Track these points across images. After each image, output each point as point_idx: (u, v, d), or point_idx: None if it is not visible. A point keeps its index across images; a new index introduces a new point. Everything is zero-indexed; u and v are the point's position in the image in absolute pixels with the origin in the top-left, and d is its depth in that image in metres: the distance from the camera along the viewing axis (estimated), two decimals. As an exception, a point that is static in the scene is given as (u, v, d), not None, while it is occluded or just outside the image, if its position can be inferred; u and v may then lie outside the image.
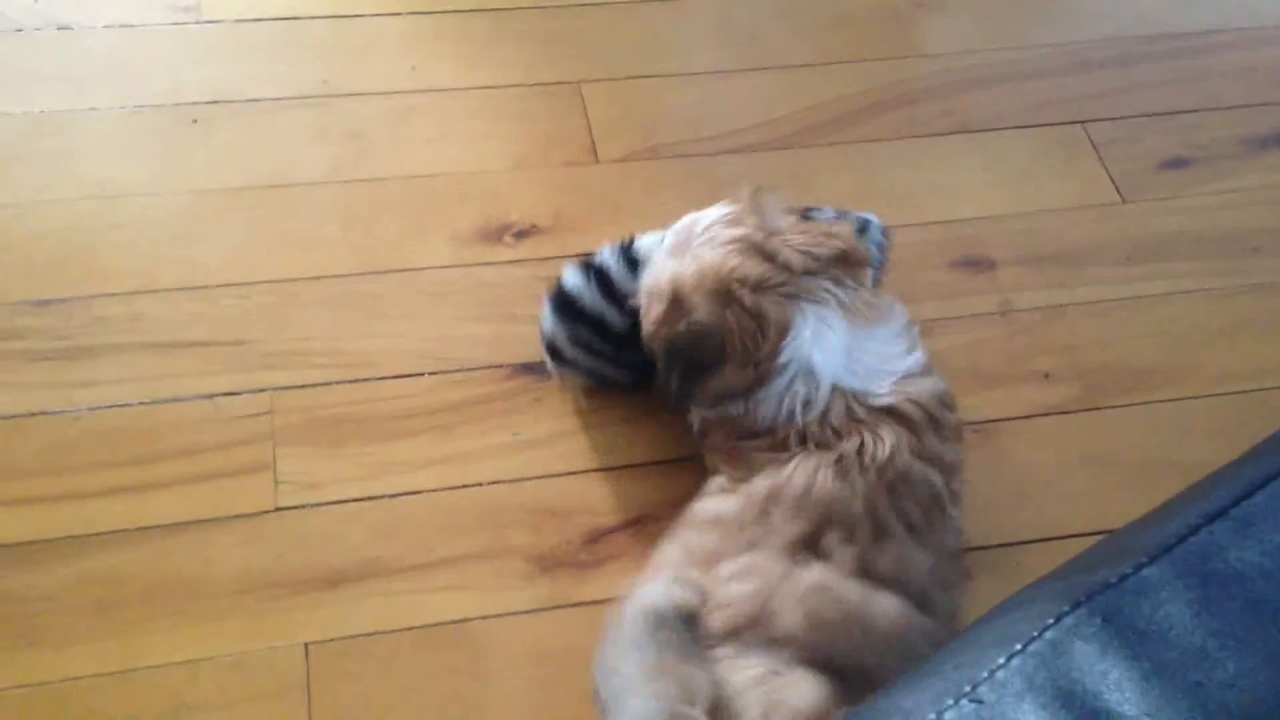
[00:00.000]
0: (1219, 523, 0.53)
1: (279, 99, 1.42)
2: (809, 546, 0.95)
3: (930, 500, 1.00)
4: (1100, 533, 1.13)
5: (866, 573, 0.94)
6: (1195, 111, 1.52)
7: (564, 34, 1.53)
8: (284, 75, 1.44)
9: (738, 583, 0.93)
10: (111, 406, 1.16)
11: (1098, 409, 1.24)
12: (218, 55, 1.46)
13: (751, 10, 1.59)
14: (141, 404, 1.16)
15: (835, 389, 1.01)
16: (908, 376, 1.03)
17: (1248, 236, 1.39)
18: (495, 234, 1.33)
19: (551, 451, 1.17)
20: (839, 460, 0.99)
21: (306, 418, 1.17)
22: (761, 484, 1.00)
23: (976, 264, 1.34)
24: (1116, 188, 1.43)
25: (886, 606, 0.93)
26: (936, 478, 1.00)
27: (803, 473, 0.99)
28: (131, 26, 1.47)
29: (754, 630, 0.91)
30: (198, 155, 1.36)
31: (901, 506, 0.98)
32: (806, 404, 1.01)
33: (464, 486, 1.14)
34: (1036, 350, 1.28)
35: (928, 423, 1.02)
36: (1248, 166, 1.47)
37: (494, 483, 1.14)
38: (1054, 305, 1.32)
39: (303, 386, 1.19)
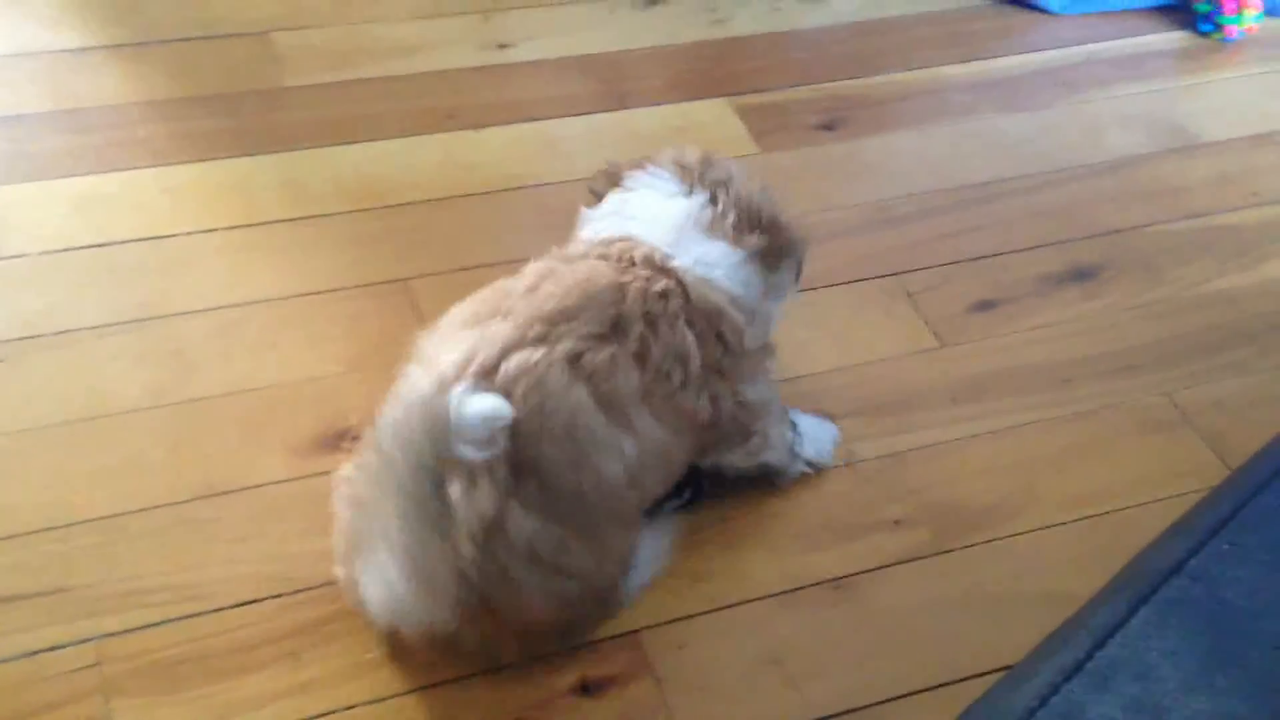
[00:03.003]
0: (1076, 679, 0.53)
1: (93, 327, 1.38)
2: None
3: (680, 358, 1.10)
4: (968, 678, 1.14)
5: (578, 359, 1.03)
6: (996, 255, 1.61)
7: (385, 234, 1.54)
8: (96, 303, 1.40)
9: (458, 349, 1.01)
10: (-81, 681, 1.06)
11: (950, 550, 1.26)
12: (24, 290, 1.41)
13: (573, 196, 1.62)
14: (-46, 672, 1.07)
15: None
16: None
17: (1059, 368, 1.47)
18: (333, 441, 1.29)
19: (410, 665, 1.11)
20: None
21: (140, 663, 1.09)
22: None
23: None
24: (934, 333, 1.50)
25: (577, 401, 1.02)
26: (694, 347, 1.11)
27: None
28: (-73, 270, 1.42)
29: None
30: (5, 396, 1.30)
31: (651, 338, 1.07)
32: None
33: (319, 716, 1.07)
34: (884, 498, 1.31)
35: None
36: (1049, 302, 1.55)
37: (350, 707, 1.08)
38: (893, 452, 1.35)
39: (134, 629, 1.11)
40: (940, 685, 1.14)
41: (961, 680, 1.14)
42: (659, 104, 1.79)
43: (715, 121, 1.78)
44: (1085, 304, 1.55)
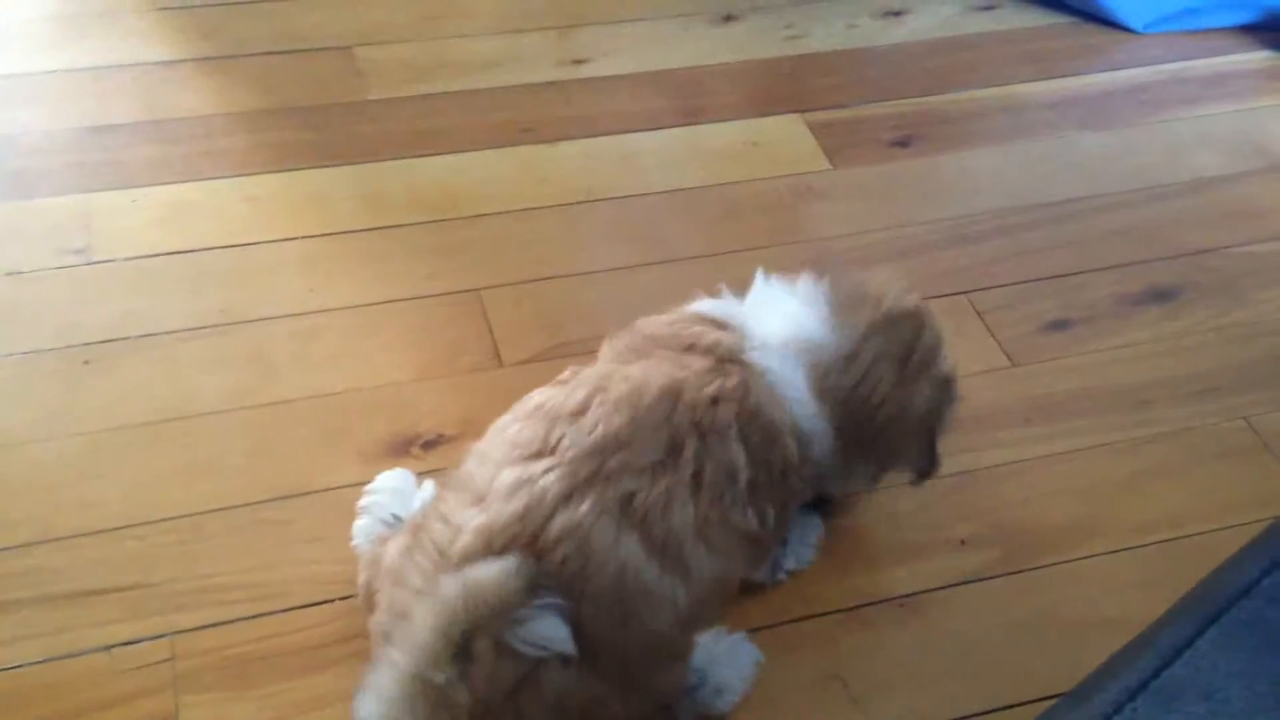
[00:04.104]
0: (1141, 697, 0.52)
1: (175, 331, 1.41)
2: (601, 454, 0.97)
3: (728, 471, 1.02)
4: (1034, 700, 1.13)
5: (630, 502, 0.96)
6: (1072, 275, 1.59)
7: (459, 245, 1.56)
8: (180, 308, 1.44)
9: (507, 500, 0.95)
10: (1, 670, 1.10)
11: (1019, 572, 1.25)
12: (111, 294, 1.45)
13: (645, 210, 1.65)
14: (33, 663, 1.10)
15: None
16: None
17: (1138, 390, 1.44)
18: (403, 446, 1.32)
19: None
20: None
21: (212, 659, 1.11)
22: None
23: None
24: (1006, 353, 1.48)
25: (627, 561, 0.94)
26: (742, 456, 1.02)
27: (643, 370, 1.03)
28: (21, 273, 1.47)
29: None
30: (92, 396, 1.34)
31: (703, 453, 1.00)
32: None
33: (383, 717, 1.09)
34: (953, 517, 1.29)
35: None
36: (1127, 324, 1.53)
37: (415, 710, 1.09)
38: (964, 471, 1.33)
39: (207, 626, 1.14)
40: (1006, 708, 1.12)
41: (1027, 703, 1.13)
42: (733, 119, 1.80)
43: (788, 138, 1.78)
44: (1163, 325, 1.53)
